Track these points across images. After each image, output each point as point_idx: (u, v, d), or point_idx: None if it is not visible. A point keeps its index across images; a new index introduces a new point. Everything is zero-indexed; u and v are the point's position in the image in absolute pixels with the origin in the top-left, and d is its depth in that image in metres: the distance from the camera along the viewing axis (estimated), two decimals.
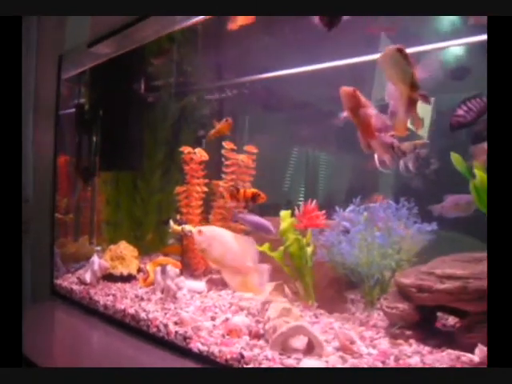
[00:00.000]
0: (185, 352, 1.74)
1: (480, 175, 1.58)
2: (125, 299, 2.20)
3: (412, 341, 1.66)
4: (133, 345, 1.94)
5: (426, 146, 1.77)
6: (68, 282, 2.59)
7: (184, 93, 2.89)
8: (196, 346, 1.69)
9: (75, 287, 2.47)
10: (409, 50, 2.66)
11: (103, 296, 2.28)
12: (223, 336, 1.73)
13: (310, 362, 1.46)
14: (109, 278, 2.46)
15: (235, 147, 2.40)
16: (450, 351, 1.56)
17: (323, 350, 1.54)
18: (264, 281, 1.76)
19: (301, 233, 1.96)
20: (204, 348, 1.66)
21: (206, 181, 2.47)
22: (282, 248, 2.00)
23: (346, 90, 1.51)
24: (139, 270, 2.51)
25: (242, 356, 1.54)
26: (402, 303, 1.72)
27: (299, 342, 1.60)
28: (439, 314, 1.87)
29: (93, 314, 2.25)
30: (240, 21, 2.29)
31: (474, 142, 1.75)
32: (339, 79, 2.24)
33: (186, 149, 2.42)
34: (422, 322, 1.71)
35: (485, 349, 1.49)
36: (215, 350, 1.62)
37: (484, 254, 1.94)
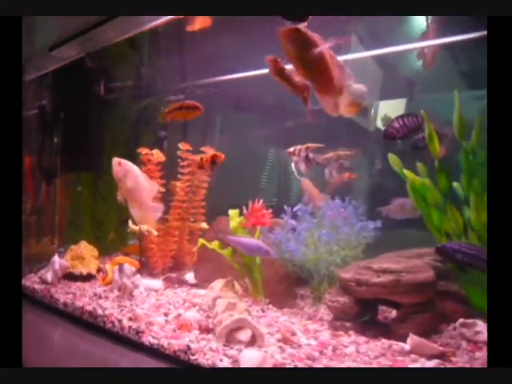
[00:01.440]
0: (137, 345, 1.87)
1: (410, 176, 1.75)
2: (83, 297, 2.31)
3: (352, 332, 1.82)
4: (90, 340, 2.06)
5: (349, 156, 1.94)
6: (30, 281, 2.70)
7: (145, 94, 3.02)
8: (147, 339, 1.82)
9: (37, 286, 2.58)
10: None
11: (63, 294, 2.38)
12: (174, 330, 1.87)
13: (249, 352, 1.61)
14: (69, 277, 2.58)
15: (191, 148, 2.54)
16: (384, 340, 1.73)
17: (263, 341, 1.67)
18: (157, 218, 2.04)
19: (250, 231, 2.11)
20: (155, 341, 1.79)
21: (163, 181, 2.61)
22: None
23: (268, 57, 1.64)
24: (99, 270, 2.63)
25: (189, 348, 1.67)
26: (343, 297, 1.88)
27: (245, 334, 1.74)
28: (383, 307, 2.04)
29: (53, 311, 2.37)
30: (198, 23, 2.41)
31: (412, 151, 1.92)
32: None
33: (143, 150, 2.53)
34: (361, 314, 1.88)
35: (415, 337, 1.66)
36: (165, 342, 1.76)
37: (426, 250, 2.13)
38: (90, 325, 2.13)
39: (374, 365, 1.52)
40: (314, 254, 2.05)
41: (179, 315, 1.96)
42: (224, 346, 1.66)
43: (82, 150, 2.76)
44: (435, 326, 1.82)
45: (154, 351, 1.79)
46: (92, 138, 2.78)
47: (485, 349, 1.67)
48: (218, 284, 2.03)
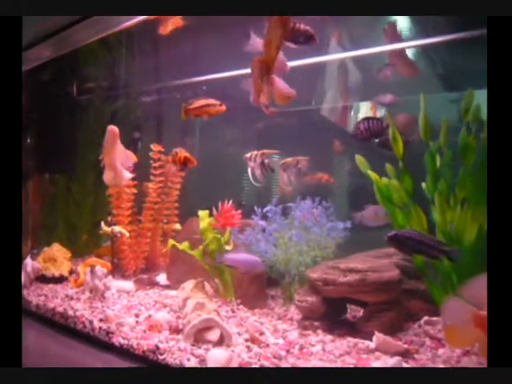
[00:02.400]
0: (107, 346, 1.90)
1: (374, 177, 1.82)
2: (55, 299, 2.33)
3: (319, 331, 1.87)
4: (62, 341, 2.08)
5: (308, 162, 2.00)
6: None
7: (119, 96, 3.05)
8: (117, 340, 1.85)
9: None
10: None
11: (35, 296, 2.40)
12: (144, 331, 1.90)
13: (216, 351, 1.65)
14: (42, 279, 2.59)
15: (163, 149, 2.58)
16: (350, 339, 1.78)
17: (231, 340, 1.72)
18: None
19: (220, 232, 2.16)
20: (124, 342, 1.81)
21: (136, 183, 2.64)
22: (201, 247, 2.18)
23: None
24: (71, 272, 2.65)
25: (158, 348, 1.70)
26: (311, 296, 1.93)
27: (214, 334, 1.78)
28: (352, 306, 2.10)
29: (26, 314, 2.38)
30: (171, 25, 2.46)
31: (380, 148, 1.99)
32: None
33: None
34: (329, 313, 1.92)
35: (380, 335, 1.72)
36: (134, 343, 1.79)
37: (394, 250, 2.19)
38: (61, 326, 2.15)
39: (339, 363, 1.57)
40: (284, 254, 2.10)
41: (150, 316, 1.99)
42: (192, 345, 1.69)
43: (54, 151, 2.78)
44: (401, 324, 1.87)
45: (123, 351, 1.82)
46: (65, 139, 2.80)
47: (447, 345, 1.74)
48: (189, 285, 2.06)
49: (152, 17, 2.30)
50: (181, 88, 3.01)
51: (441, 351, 1.68)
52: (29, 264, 2.57)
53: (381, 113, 3.19)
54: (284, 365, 1.54)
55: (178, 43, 2.68)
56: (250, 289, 2.19)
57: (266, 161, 1.89)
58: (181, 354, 1.64)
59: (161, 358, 1.67)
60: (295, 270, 2.09)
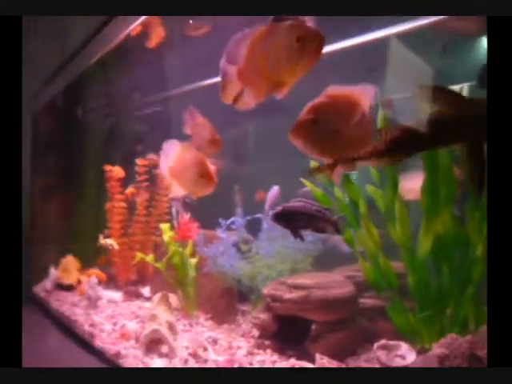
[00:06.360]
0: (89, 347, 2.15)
1: (309, 186, 1.81)
2: (65, 304, 2.70)
3: (269, 350, 1.87)
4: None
5: None
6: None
7: (116, 112, 3.34)
8: (97, 343, 2.08)
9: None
10: None
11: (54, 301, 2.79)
12: (117, 338, 2.11)
13: (157, 361, 1.81)
14: (59, 287, 3.02)
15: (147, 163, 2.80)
16: (292, 361, 1.77)
17: (174, 352, 1.85)
18: None
19: (182, 245, 2.28)
20: (100, 345, 2.05)
21: (125, 197, 2.88)
22: (164, 259, 2.31)
23: None
24: (79, 281, 3.00)
25: (119, 353, 1.92)
26: (264, 313, 1.96)
27: (166, 346, 1.94)
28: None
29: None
30: (155, 38, 2.64)
31: None
32: None
33: (107, 167, 2.86)
34: (280, 331, 1.93)
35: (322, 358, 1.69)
36: (106, 347, 2.01)
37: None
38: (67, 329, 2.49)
39: None
40: (251, 268, 2.15)
41: (124, 325, 2.23)
42: (145, 354, 1.87)
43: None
44: (353, 347, 1.81)
45: (98, 353, 2.05)
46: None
47: None
48: (157, 297, 2.25)
49: (137, 31, 2.52)
50: (180, 97, 3.15)
51: None
52: (52, 273, 3.03)
53: None
54: None
55: (166, 55, 2.86)
56: (220, 303, 2.28)
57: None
58: (132, 360, 1.84)
59: (120, 362, 1.88)
60: (262, 285, 2.13)
